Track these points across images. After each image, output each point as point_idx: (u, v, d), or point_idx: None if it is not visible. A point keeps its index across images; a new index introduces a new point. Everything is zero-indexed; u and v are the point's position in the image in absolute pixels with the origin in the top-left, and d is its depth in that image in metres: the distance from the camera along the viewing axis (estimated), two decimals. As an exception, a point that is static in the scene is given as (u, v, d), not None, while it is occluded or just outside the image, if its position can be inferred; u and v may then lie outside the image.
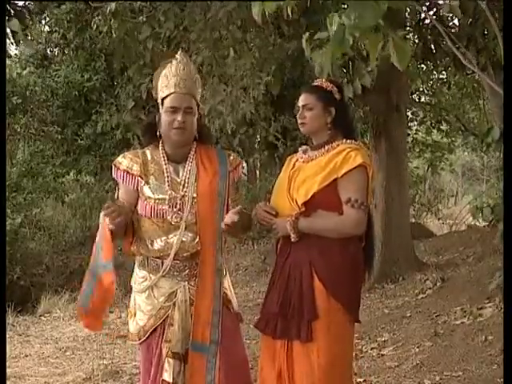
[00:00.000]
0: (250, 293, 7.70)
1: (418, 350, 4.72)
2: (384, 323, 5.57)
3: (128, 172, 2.70)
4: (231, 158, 2.83)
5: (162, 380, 2.63)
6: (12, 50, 12.48)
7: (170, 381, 2.62)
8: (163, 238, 2.66)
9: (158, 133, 2.72)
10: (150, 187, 2.68)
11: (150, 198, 2.67)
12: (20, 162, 11.74)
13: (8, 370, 4.59)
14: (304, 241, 2.68)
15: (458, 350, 4.51)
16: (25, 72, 12.31)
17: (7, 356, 4.82)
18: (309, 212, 2.68)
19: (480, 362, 4.24)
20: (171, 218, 2.64)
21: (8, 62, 11.58)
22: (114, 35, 6.62)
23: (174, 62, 2.72)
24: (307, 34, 4.08)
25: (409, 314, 5.68)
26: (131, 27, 6.65)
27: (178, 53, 2.78)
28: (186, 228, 2.65)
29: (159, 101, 2.71)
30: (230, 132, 7.10)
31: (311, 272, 2.66)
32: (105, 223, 2.56)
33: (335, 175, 2.66)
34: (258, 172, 14.11)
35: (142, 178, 2.68)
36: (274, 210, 2.75)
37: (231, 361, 2.72)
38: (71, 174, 13.16)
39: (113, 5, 6.24)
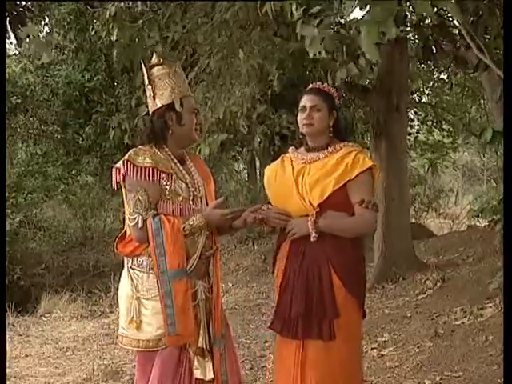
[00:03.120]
0: (250, 293, 7.69)
1: (418, 350, 4.72)
2: (384, 323, 5.57)
3: (157, 169, 2.61)
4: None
5: (200, 379, 2.64)
6: (12, 49, 12.50)
7: (205, 377, 2.64)
8: (190, 237, 2.64)
9: (170, 131, 2.70)
10: (178, 185, 2.66)
11: (177, 196, 2.65)
12: (20, 162, 11.76)
13: (8, 370, 4.59)
14: (319, 240, 2.72)
15: (459, 351, 4.51)
16: (22, 71, 12.30)
17: (7, 356, 4.82)
18: (321, 213, 2.73)
19: (480, 362, 4.24)
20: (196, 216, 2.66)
21: (8, 61, 11.58)
22: (115, 39, 6.61)
23: (176, 65, 2.78)
24: (301, 10, 4.09)
25: (409, 314, 5.68)
26: (133, 31, 6.63)
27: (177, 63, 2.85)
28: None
29: (174, 98, 2.68)
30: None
31: (329, 270, 2.71)
32: (176, 227, 2.56)
33: (347, 177, 2.73)
34: (258, 172, 14.12)
35: (169, 175, 2.64)
36: (287, 212, 2.77)
37: (232, 353, 2.82)
38: (71, 174, 13.16)
39: (112, 8, 6.22)
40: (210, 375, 2.64)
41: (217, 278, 2.74)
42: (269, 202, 2.93)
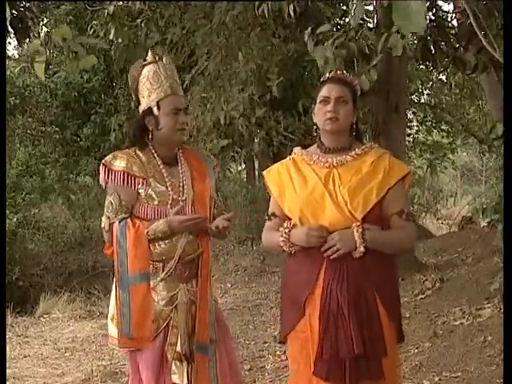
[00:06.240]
0: (249, 293, 7.68)
1: (417, 350, 4.71)
2: (383, 324, 5.56)
3: (129, 173, 2.62)
4: (211, 159, 2.94)
5: (173, 383, 2.64)
6: (10, 50, 12.49)
7: (181, 382, 2.63)
8: (167, 241, 2.64)
9: (150, 135, 2.67)
10: (152, 189, 2.64)
11: (152, 200, 2.64)
12: (18, 163, 11.75)
13: (7, 371, 4.58)
14: (361, 261, 2.35)
15: (457, 351, 4.51)
16: (20, 72, 12.29)
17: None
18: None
19: (479, 362, 4.24)
20: None
21: (6, 62, 11.56)
22: (114, 39, 6.61)
23: (160, 64, 2.70)
24: (309, 29, 4.07)
25: (408, 315, 5.67)
26: (130, 32, 6.63)
27: (164, 57, 2.77)
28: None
29: (151, 103, 2.65)
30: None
31: (374, 296, 2.35)
32: (140, 231, 2.55)
33: (388, 185, 2.39)
34: (256, 173, 14.12)
35: (144, 180, 2.63)
36: (325, 228, 2.36)
37: (230, 356, 2.78)
38: (70, 175, 13.16)
39: (111, 7, 6.22)
40: (184, 382, 2.63)
41: (205, 281, 2.68)
42: (270, 211, 2.58)
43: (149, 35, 6.63)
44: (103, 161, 2.67)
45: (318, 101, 2.45)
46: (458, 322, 5.08)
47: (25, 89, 11.66)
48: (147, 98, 2.66)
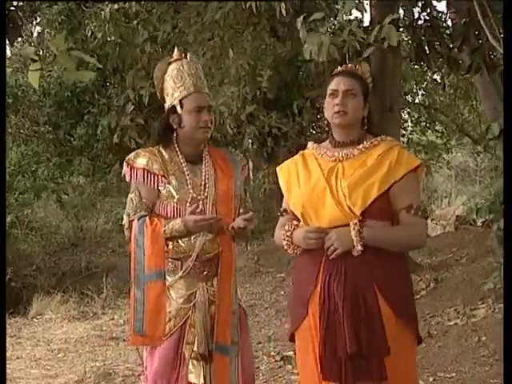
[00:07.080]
0: (243, 294, 7.65)
1: (411, 351, 4.71)
2: (377, 324, 5.55)
3: (149, 171, 2.63)
4: (239, 158, 2.93)
5: (189, 382, 2.62)
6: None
7: (197, 382, 2.61)
8: (186, 239, 2.63)
9: (174, 133, 2.69)
10: (172, 187, 2.64)
11: (172, 198, 2.64)
12: (11, 162, 11.70)
13: (-1, 373, 4.56)
14: (361, 257, 2.27)
15: (452, 351, 4.51)
16: (13, 72, 12.24)
17: (-2, 358, 4.78)
18: (362, 222, 2.29)
19: (473, 362, 4.25)
20: None
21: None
22: (109, 39, 6.59)
23: (184, 61, 2.70)
24: (301, 16, 4.04)
25: (402, 315, 5.67)
26: (126, 31, 6.63)
27: (188, 54, 2.77)
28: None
29: (175, 101, 2.65)
30: (233, 133, 7.10)
31: (375, 294, 2.27)
32: (157, 229, 2.54)
33: (392, 178, 2.30)
34: (251, 173, 14.11)
35: (164, 178, 2.64)
36: (322, 228, 2.32)
37: (245, 358, 2.76)
38: (63, 174, 13.10)
39: (107, 9, 6.20)
40: (200, 381, 2.61)
41: (225, 281, 2.66)
42: (283, 208, 2.55)
43: (143, 33, 6.61)
44: (126, 158, 2.69)
45: (327, 94, 2.42)
46: (452, 323, 5.08)
47: (17, 88, 11.60)
48: (171, 96, 2.67)
